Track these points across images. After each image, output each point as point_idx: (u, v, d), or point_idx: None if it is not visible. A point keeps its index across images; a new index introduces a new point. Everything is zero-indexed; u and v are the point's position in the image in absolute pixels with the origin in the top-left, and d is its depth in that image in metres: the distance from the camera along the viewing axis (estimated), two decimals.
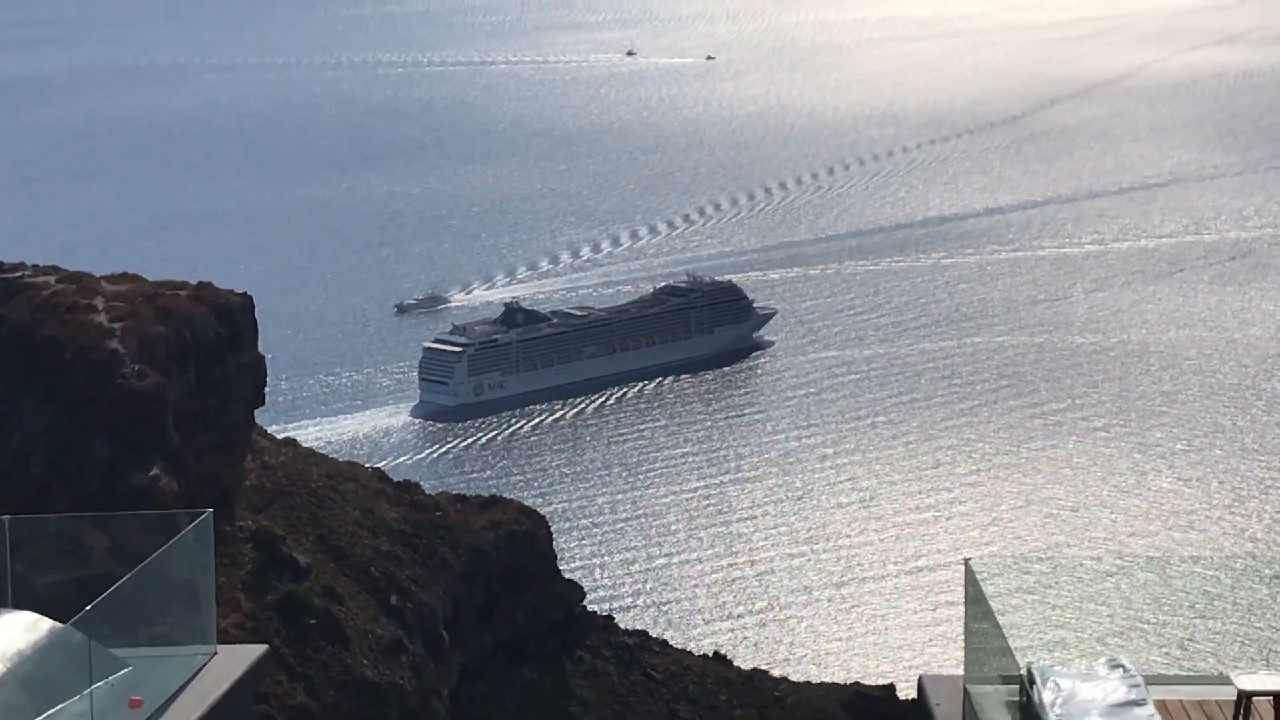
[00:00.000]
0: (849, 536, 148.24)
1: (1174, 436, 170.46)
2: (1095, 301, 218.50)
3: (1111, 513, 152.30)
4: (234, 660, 16.29)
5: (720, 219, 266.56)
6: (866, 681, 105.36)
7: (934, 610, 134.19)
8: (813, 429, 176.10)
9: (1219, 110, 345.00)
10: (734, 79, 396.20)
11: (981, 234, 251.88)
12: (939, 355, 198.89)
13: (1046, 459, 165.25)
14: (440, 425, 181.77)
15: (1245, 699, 21.15)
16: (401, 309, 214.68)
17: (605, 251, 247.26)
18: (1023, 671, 18.52)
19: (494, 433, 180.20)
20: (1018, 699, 18.59)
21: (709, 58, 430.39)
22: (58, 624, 14.63)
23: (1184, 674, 20.47)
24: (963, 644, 20.14)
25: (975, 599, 19.54)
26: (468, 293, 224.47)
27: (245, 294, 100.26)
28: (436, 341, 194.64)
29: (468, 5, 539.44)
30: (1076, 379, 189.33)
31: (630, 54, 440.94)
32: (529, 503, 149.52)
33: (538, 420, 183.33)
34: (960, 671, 19.74)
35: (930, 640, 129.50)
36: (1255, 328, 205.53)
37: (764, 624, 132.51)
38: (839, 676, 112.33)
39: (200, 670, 16.09)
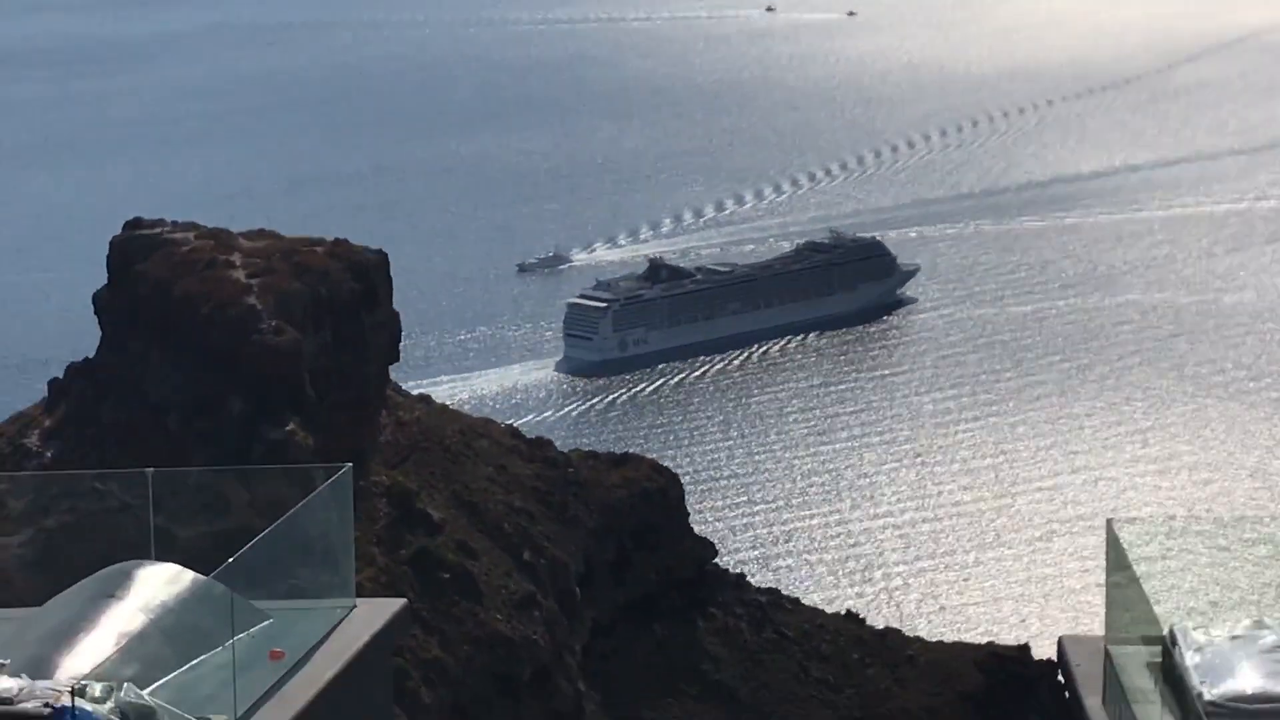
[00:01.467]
0: (987, 496, 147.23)
1: None
2: (1236, 261, 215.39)
3: (1252, 475, 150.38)
4: (373, 614, 16.30)
5: (858, 175, 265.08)
6: (1002, 641, 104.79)
7: (1072, 573, 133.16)
8: (955, 387, 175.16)
9: None
10: (874, 34, 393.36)
11: (1120, 192, 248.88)
12: (1080, 313, 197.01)
13: (1188, 420, 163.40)
14: (585, 380, 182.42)
15: None
16: (523, 268, 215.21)
17: (738, 209, 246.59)
18: (1165, 633, 18.16)
19: (638, 388, 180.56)
20: (1159, 660, 18.23)
21: (850, 13, 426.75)
22: (200, 576, 14.71)
23: None
24: (1104, 605, 19.79)
25: (1117, 559, 19.17)
26: (589, 251, 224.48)
27: (381, 251, 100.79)
28: (582, 296, 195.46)
29: None
30: (1218, 339, 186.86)
31: (770, 9, 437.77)
32: (668, 459, 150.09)
33: (681, 376, 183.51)
34: (1101, 632, 19.39)
35: (1067, 602, 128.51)
36: None
37: (898, 584, 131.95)
38: (974, 637, 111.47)
39: (339, 624, 16.13)
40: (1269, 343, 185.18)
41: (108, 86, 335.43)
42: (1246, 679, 18.12)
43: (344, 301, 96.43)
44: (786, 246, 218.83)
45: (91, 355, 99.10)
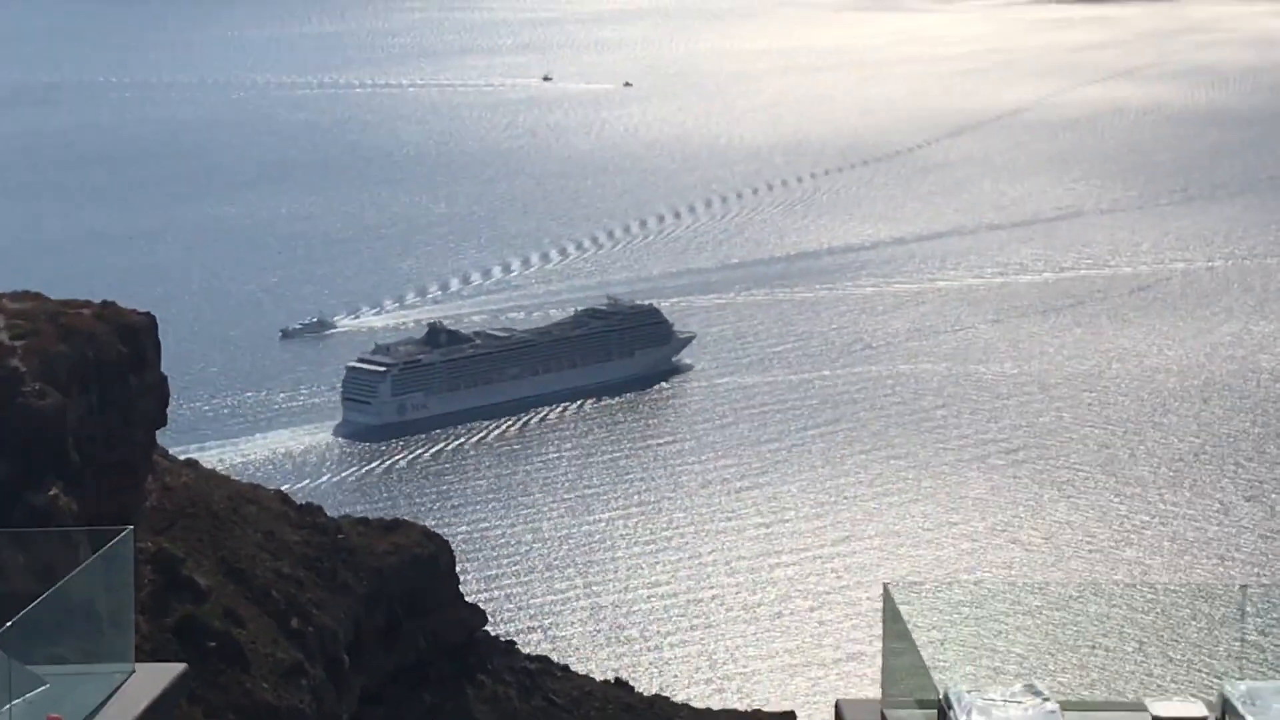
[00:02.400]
0: (759, 562, 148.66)
1: (1073, 465, 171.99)
2: (996, 333, 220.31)
3: (1013, 541, 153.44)
4: (152, 679, 16.20)
5: (629, 243, 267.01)
6: (768, 709, 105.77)
7: (843, 638, 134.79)
8: (729, 453, 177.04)
9: (1117, 145, 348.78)
10: (649, 105, 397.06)
11: (885, 264, 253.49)
12: (849, 381, 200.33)
13: (952, 487, 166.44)
14: (363, 444, 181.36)
15: None
16: (286, 334, 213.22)
17: (508, 276, 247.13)
18: (940, 696, 18.62)
19: (416, 453, 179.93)
20: None
21: (627, 84, 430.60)
22: None
23: (1099, 700, 20.61)
24: (879, 669, 20.27)
25: (893, 623, 19.67)
26: (355, 316, 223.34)
27: (149, 314, 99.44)
28: (360, 360, 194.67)
29: (376, 29, 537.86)
30: (978, 410, 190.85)
31: (547, 79, 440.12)
32: (445, 525, 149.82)
33: (459, 441, 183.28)
34: (877, 695, 19.86)
35: (839, 668, 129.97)
36: (1152, 359, 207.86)
37: (667, 650, 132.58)
38: (741, 703, 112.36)
39: (119, 688, 15.99)
40: (1026, 413, 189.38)
41: None
42: None
43: (111, 364, 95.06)
44: (557, 314, 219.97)
45: None
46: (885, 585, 19.97)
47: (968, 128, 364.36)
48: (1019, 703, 18.95)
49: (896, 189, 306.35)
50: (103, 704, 15.77)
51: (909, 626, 19.15)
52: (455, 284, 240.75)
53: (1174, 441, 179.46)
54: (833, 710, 20.38)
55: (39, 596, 15.12)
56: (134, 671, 16.54)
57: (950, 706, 18.30)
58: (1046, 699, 19.39)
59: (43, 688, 15.11)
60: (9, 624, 14.72)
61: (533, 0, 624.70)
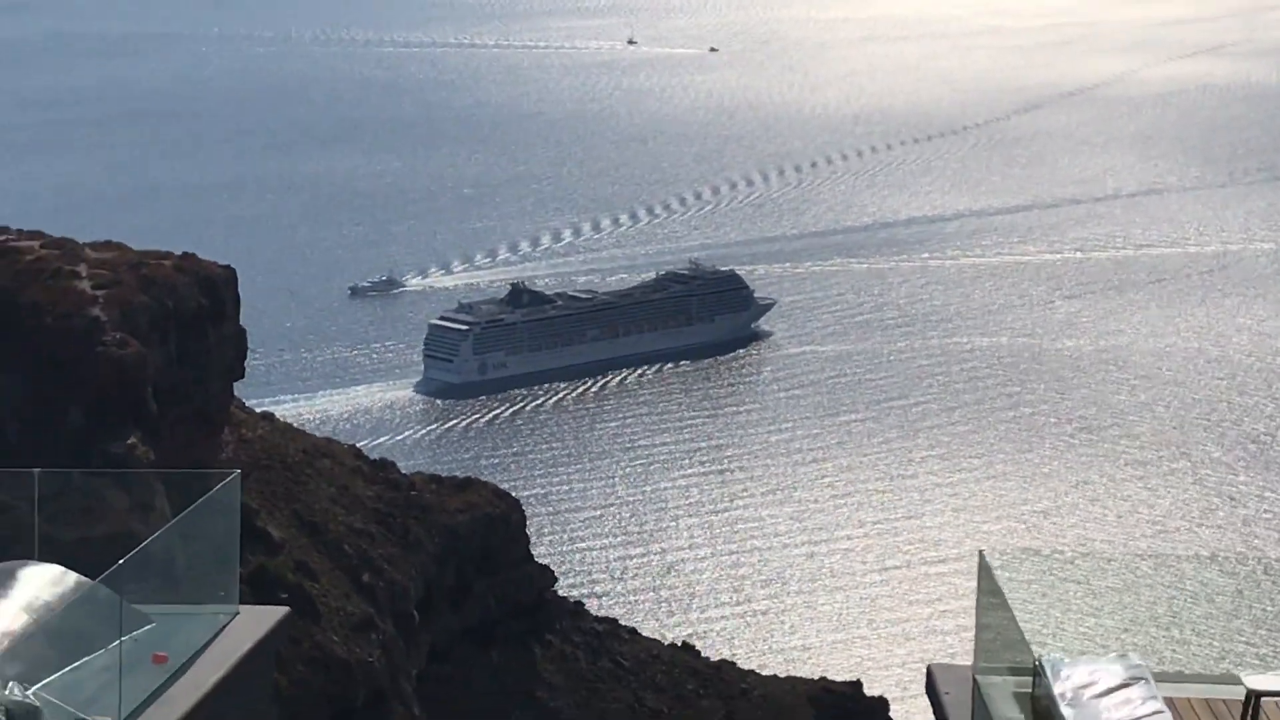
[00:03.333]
0: (828, 531, 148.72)
1: (1146, 445, 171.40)
2: (1075, 308, 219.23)
3: (1090, 516, 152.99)
4: (256, 621, 16.44)
5: (710, 208, 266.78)
6: (834, 677, 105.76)
7: (923, 606, 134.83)
8: (806, 421, 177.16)
9: (1201, 122, 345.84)
10: (733, 71, 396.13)
11: (964, 236, 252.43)
12: (926, 353, 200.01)
13: (1028, 461, 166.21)
14: (444, 402, 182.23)
15: (1254, 698, 21.22)
16: (355, 291, 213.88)
17: (583, 239, 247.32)
18: (1033, 663, 18.68)
19: (496, 410, 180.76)
20: (1028, 690, 18.74)
21: (712, 49, 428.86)
22: (83, 578, 14.76)
23: (1193, 672, 20.53)
24: (973, 635, 20.32)
25: (988, 589, 19.68)
26: (424, 277, 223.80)
27: (229, 266, 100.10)
28: (443, 319, 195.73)
29: None
30: (1055, 384, 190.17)
31: (632, 43, 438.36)
32: (519, 484, 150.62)
33: (539, 401, 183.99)
34: (969, 662, 19.91)
35: (921, 634, 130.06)
36: (1231, 341, 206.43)
37: (735, 617, 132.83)
38: (807, 672, 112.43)
39: (223, 629, 16.24)
40: (1102, 390, 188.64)
41: None
42: (1111, 710, 18.69)
43: (190, 316, 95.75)
44: (635, 278, 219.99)
45: None
46: (980, 552, 19.98)
47: (1049, 101, 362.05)
48: (1112, 671, 18.96)
49: (976, 161, 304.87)
50: (208, 644, 16.02)
51: (1004, 593, 19.17)
52: (526, 247, 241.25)
53: (1249, 421, 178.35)
54: (924, 675, 20.39)
55: (143, 536, 15.38)
56: (238, 613, 16.79)
57: (1043, 673, 18.36)
58: (1140, 668, 19.38)
59: (149, 626, 15.35)
60: (120, 562, 14.96)
61: None
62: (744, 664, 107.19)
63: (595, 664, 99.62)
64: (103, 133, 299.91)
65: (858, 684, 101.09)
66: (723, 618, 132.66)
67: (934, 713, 19.52)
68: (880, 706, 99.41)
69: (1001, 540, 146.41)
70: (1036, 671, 18.49)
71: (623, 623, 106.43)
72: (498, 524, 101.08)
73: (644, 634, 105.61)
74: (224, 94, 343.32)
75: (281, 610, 17.26)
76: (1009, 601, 19.22)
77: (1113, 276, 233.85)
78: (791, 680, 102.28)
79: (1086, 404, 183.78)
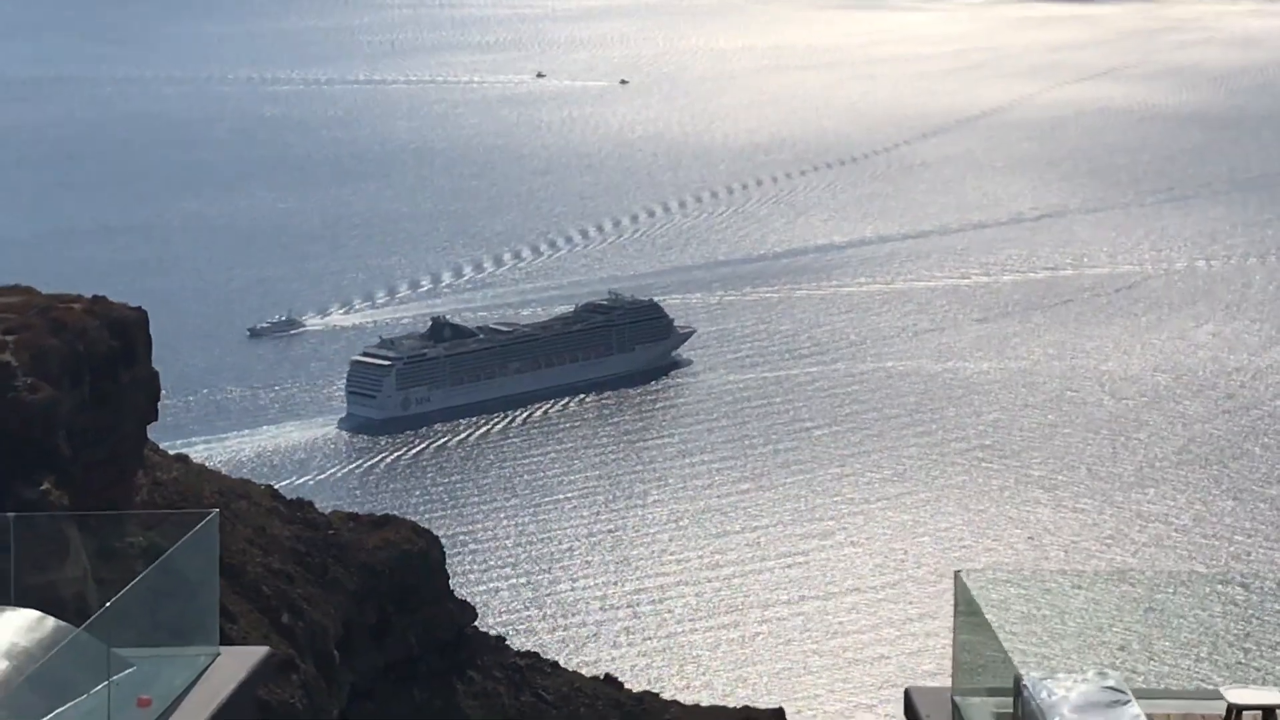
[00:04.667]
0: (746, 558, 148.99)
1: (1058, 463, 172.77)
2: (983, 331, 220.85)
3: (998, 539, 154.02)
4: (238, 661, 16.33)
5: (616, 239, 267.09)
6: (758, 705, 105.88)
7: (814, 636, 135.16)
8: (727, 447, 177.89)
9: (1101, 144, 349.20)
10: (642, 103, 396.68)
11: (873, 262, 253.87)
12: (841, 378, 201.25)
13: (946, 483, 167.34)
14: (367, 438, 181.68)
15: (1235, 713, 21.21)
16: (255, 333, 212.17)
17: (494, 272, 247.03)
18: (1013, 682, 18.68)
19: (419, 447, 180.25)
20: (1008, 710, 18.74)
21: (623, 81, 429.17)
22: (62, 623, 14.64)
23: (1173, 688, 20.60)
24: (950, 656, 20.37)
25: (967, 610, 19.71)
26: (324, 316, 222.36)
27: (139, 308, 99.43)
28: (365, 354, 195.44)
29: (360, 24, 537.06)
30: (965, 407, 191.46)
31: (540, 76, 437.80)
32: (444, 519, 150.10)
33: (462, 435, 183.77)
34: (947, 684, 19.95)
35: (819, 664, 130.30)
36: (1138, 359, 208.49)
37: (657, 647, 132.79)
38: (730, 700, 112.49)
39: (205, 671, 16.12)
40: (1011, 411, 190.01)
41: None
42: None
43: (102, 359, 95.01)
44: (549, 311, 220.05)
45: None
46: (957, 572, 20.06)
47: (951, 127, 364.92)
48: (1092, 688, 18.97)
49: (880, 188, 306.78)
50: (190, 686, 15.89)
51: (982, 613, 19.22)
52: (429, 283, 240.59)
53: (1159, 441, 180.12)
54: (902, 699, 20.44)
55: (108, 578, 15.22)
56: (219, 654, 16.68)
57: (1023, 693, 18.38)
58: (1119, 686, 19.41)
59: (129, 670, 15.23)
60: (104, 608, 14.86)
61: None
62: (667, 695, 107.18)
63: (518, 699, 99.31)
64: (5, 177, 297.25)
65: (780, 711, 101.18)
66: (645, 649, 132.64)
67: None
68: None
69: (926, 564, 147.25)
70: (1017, 691, 18.53)
71: (545, 656, 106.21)
72: (416, 560, 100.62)
73: (567, 667, 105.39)
74: (124, 136, 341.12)
75: (262, 650, 17.18)
76: (988, 622, 19.27)
77: (1020, 298, 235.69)
78: (714, 709, 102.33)
79: (996, 426, 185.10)
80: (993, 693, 18.84)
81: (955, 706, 19.08)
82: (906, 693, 20.22)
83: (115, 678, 14.84)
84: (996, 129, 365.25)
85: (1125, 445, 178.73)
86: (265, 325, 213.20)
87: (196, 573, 17.51)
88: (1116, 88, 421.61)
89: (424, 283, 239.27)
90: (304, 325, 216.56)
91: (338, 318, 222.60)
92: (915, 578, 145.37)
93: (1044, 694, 18.39)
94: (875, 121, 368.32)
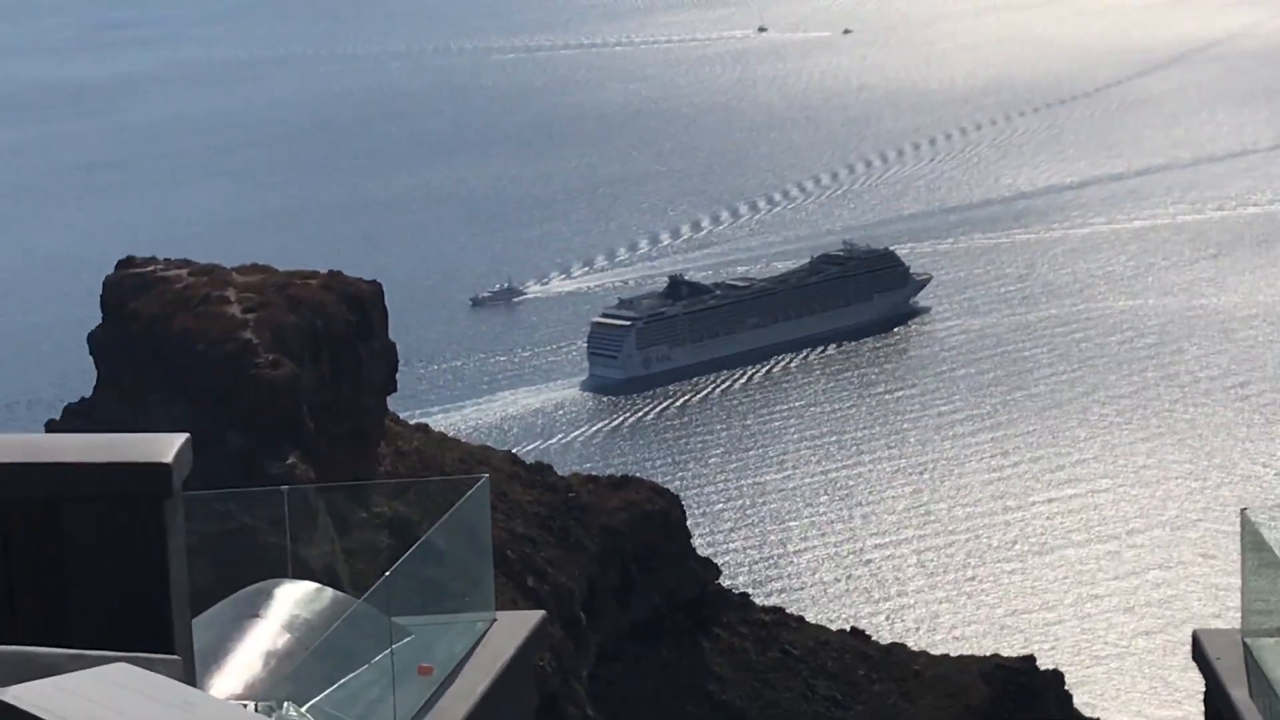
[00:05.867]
0: (992, 508, 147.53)
1: None
2: (1220, 266, 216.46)
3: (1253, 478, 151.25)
4: (515, 626, 16.28)
5: (843, 189, 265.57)
6: (1006, 653, 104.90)
7: (1069, 587, 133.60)
8: (973, 395, 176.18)
9: None
10: (867, 51, 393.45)
11: (1103, 202, 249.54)
12: (1080, 319, 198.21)
13: (1194, 420, 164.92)
14: (611, 399, 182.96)
15: None
16: (477, 302, 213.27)
17: (718, 229, 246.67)
18: None
19: (664, 404, 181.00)
20: None
21: (846, 31, 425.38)
22: (340, 593, 14.72)
23: None
24: (1239, 597, 19.81)
25: (1255, 548, 19.12)
26: (543, 284, 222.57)
27: (375, 281, 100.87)
28: (604, 315, 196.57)
29: None
30: (1208, 343, 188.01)
31: (762, 29, 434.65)
32: (690, 476, 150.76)
33: (705, 393, 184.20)
34: (1236, 625, 19.39)
35: (1068, 616, 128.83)
36: None
37: (903, 598, 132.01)
38: (979, 649, 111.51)
39: (483, 637, 16.11)
40: (1255, 347, 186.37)
41: (77, 129, 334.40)
42: None
43: (340, 333, 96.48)
44: (783, 265, 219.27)
45: (88, 395, 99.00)
46: (1243, 510, 19.43)
47: (1177, 59, 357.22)
48: None
49: (1107, 125, 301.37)
50: (470, 652, 15.87)
51: (1274, 551, 18.63)
52: (666, 240, 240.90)
53: None
54: (1190, 642, 19.90)
55: (386, 545, 15.31)
56: (495, 619, 16.66)
57: None
58: None
59: (409, 638, 15.26)
60: (381, 579, 14.93)
61: None
62: (914, 645, 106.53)
63: (764, 654, 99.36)
64: (235, 158, 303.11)
65: (1030, 658, 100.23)
66: (890, 601, 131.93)
67: (1205, 679, 19.00)
68: (1055, 680, 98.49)
69: (1190, 505, 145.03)
70: None
71: (790, 611, 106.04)
72: (657, 520, 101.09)
73: (812, 621, 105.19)
74: (350, 112, 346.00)
75: (538, 614, 17.09)
76: (1278, 560, 18.67)
77: (1259, 232, 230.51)
78: (964, 659, 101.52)
79: (1237, 362, 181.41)
80: None
81: (1247, 648, 18.48)
82: (1195, 635, 19.63)
83: (396, 646, 14.86)
84: (1225, 58, 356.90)
85: None
86: (486, 295, 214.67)
87: (470, 538, 17.46)
88: None
89: (642, 246, 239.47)
90: (525, 293, 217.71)
91: (558, 283, 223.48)
92: (1181, 520, 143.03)
93: None
94: (1098, 57, 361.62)
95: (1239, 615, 19.20)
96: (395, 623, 14.45)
